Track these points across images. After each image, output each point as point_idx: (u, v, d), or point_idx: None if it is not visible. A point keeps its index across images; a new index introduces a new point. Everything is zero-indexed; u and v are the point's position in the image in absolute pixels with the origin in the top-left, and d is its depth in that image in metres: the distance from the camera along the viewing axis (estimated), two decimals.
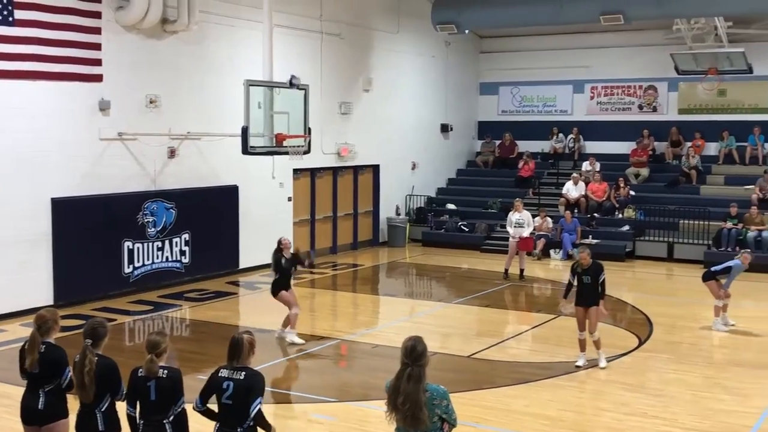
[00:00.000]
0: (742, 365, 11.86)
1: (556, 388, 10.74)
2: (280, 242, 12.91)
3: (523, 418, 9.66)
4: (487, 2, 21.75)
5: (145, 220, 16.54)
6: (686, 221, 21.74)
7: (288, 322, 12.87)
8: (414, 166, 25.06)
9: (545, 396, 10.45)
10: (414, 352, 5.53)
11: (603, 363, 11.54)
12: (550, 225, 22.38)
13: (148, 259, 16.68)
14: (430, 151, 25.79)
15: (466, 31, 23.40)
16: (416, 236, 24.13)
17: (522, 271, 18.91)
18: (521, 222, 19.32)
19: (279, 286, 12.84)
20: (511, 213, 19.68)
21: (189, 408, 6.27)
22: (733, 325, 13.92)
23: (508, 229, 19.43)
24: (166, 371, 6.22)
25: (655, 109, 25.46)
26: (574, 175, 24.00)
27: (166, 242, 17.04)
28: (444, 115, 26.37)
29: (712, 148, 24.49)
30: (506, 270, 18.97)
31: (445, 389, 5.67)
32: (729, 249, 20.46)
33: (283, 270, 12.81)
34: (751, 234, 20.55)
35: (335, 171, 22.22)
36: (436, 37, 24.36)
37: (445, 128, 26.43)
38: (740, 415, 9.57)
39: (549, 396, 10.44)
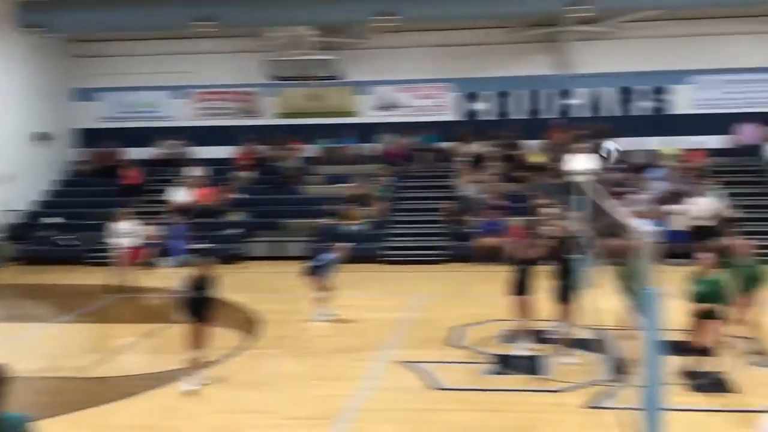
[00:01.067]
0: (343, 351, 12.66)
1: (165, 397, 10.60)
2: None
3: (122, 431, 9.41)
4: (77, 5, 20.88)
5: None
6: (291, 220, 22.75)
7: None
8: (1, 180, 23.18)
9: (154, 406, 10.27)
10: None
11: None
12: (160, 232, 22.08)
13: None
14: (19, 162, 24.05)
15: (57, 35, 22.21)
16: (13, 254, 22.40)
17: (130, 281, 18.45)
18: (127, 232, 18.85)
19: None
20: (115, 223, 19.10)
21: None
22: (336, 314, 14.83)
23: (114, 240, 18.85)
24: None
25: (255, 114, 26.26)
26: (182, 180, 23.94)
27: None
28: (37, 123, 24.78)
29: (311, 150, 25.87)
30: (117, 282, 18.40)
31: (24, 415, 5.29)
32: (329, 243, 21.75)
33: None
34: (347, 228, 22.08)
35: None
36: (21, 39, 22.77)
37: (39, 136, 24.83)
38: (341, 398, 10.21)
39: (158, 405, 10.27)
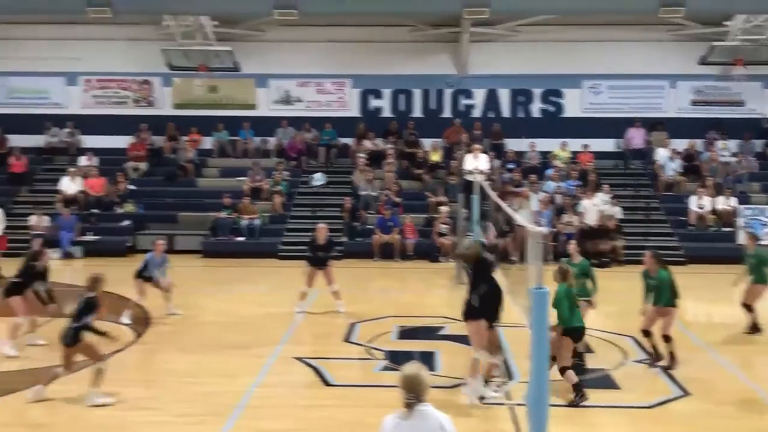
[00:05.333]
0: (236, 347, 12.50)
1: (49, 394, 10.23)
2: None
3: (9, 429, 9.10)
4: None
5: None
6: (185, 213, 22.38)
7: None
8: None
9: (36, 403, 9.90)
10: None
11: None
12: (47, 223, 21.38)
13: None
14: None
15: None
16: None
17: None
18: None
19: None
20: None
21: None
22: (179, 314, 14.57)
23: None
24: None
25: (151, 104, 25.68)
26: (72, 170, 23.23)
27: None
28: None
29: (207, 142, 25.46)
30: None
31: None
32: (225, 237, 21.58)
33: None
34: (244, 222, 21.86)
35: None
36: None
37: None
38: (227, 395, 10.08)
39: (41, 403, 9.91)
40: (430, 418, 5.21)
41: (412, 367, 5.34)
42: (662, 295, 11.36)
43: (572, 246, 12.42)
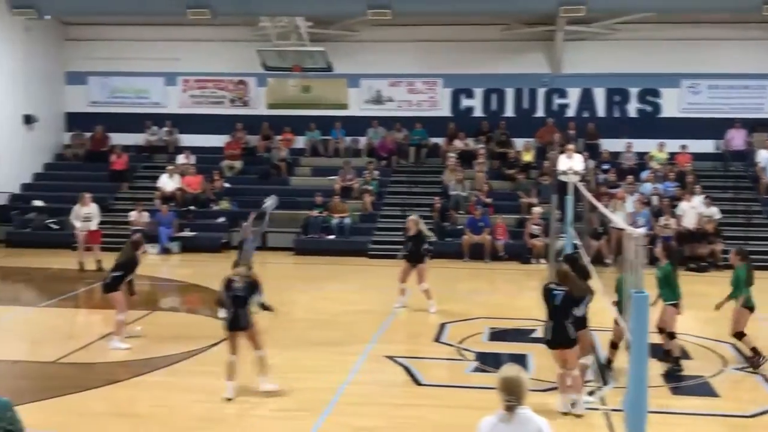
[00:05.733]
0: (327, 344, 12.58)
1: (148, 385, 10.59)
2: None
3: (110, 419, 9.42)
4: None
5: None
6: (278, 211, 22.60)
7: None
8: None
9: (136, 394, 10.26)
10: None
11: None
12: (147, 219, 22.03)
13: None
14: (10, 145, 23.94)
15: (47, 17, 22.07)
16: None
17: (99, 262, 18.67)
18: (89, 215, 19.40)
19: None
20: (77, 206, 19.52)
21: None
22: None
23: (75, 222, 19.44)
24: None
25: (246, 104, 26.19)
26: (170, 168, 23.87)
27: None
28: (26, 106, 24.63)
29: (299, 142, 25.80)
30: (81, 263, 19.01)
31: (7, 400, 5.28)
32: (316, 235, 21.83)
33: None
34: (334, 221, 22.07)
35: None
36: (14, 22, 22.62)
37: (28, 119, 24.70)
38: (320, 392, 10.18)
39: (140, 393, 10.27)
40: (529, 421, 5.15)
41: (512, 369, 5.29)
42: (734, 291, 11.38)
43: (658, 249, 11.99)
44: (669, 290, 11.13)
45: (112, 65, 26.10)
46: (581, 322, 9.64)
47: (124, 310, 12.45)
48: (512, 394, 5.14)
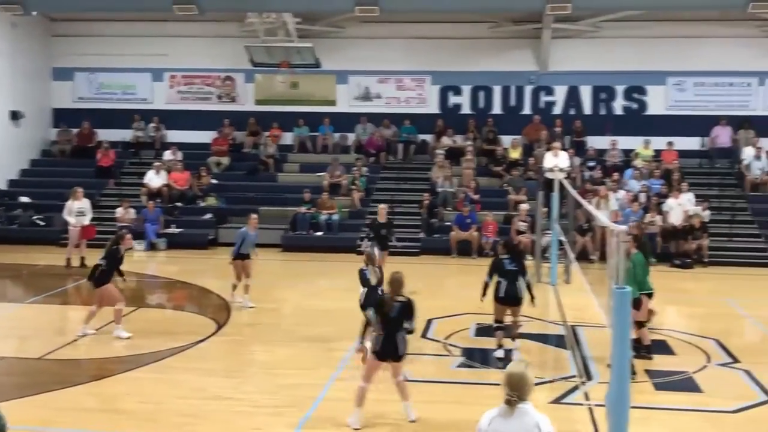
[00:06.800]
0: (314, 340, 12.65)
1: (135, 381, 10.59)
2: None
3: (96, 415, 9.45)
4: None
5: None
6: (265, 207, 22.68)
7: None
8: None
9: (123, 390, 10.26)
10: None
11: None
12: (133, 215, 21.99)
13: None
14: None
15: (34, 13, 21.99)
16: None
17: (83, 259, 18.72)
18: (82, 210, 19.36)
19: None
20: (70, 201, 19.46)
21: None
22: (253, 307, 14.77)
23: (68, 218, 19.35)
24: None
25: (233, 100, 26.14)
26: (157, 164, 23.83)
27: None
28: (13, 102, 24.53)
29: (288, 138, 25.79)
30: (68, 260, 18.89)
31: None
32: (304, 232, 21.85)
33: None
34: (323, 217, 22.09)
35: None
36: (0, 17, 22.53)
37: (14, 115, 24.61)
38: (307, 387, 10.23)
39: (127, 389, 10.27)
40: (528, 416, 5.24)
41: (519, 366, 5.38)
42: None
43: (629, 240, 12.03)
44: (637, 281, 11.23)
45: (99, 61, 25.99)
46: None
47: (121, 299, 12.67)
48: (515, 390, 5.24)
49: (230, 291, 15.03)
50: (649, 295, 11.40)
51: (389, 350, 9.00)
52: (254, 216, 15.43)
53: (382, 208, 17.13)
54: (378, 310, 9.11)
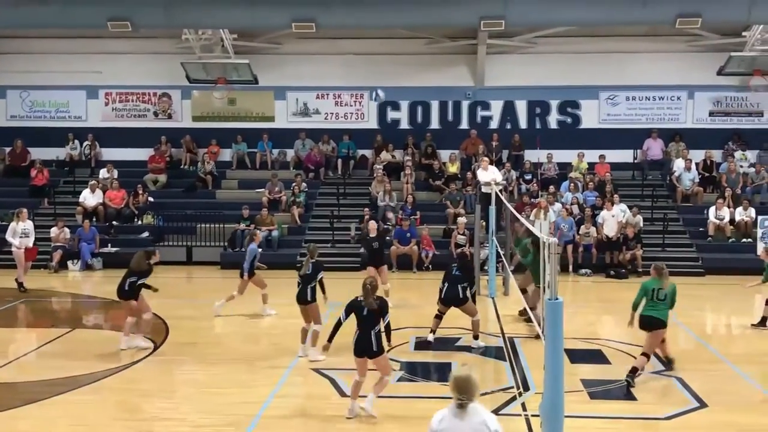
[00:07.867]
0: (254, 358, 12.57)
1: (69, 404, 10.39)
2: None
3: None
4: None
5: None
6: (204, 225, 22.51)
7: None
8: None
9: (55, 413, 10.05)
10: None
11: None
12: (68, 235, 21.60)
13: None
14: None
15: None
16: None
17: (25, 281, 18.33)
18: (26, 231, 18.85)
19: None
20: (14, 223, 18.92)
21: None
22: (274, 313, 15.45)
23: (12, 239, 18.73)
24: None
25: (170, 117, 25.90)
26: (92, 182, 23.47)
27: None
28: None
29: (226, 154, 25.64)
30: (21, 283, 18.15)
31: None
32: (243, 249, 21.64)
33: None
34: (262, 234, 21.93)
35: None
36: None
37: None
38: (246, 406, 10.16)
39: (60, 413, 10.06)
40: (476, 415, 5.61)
41: (463, 370, 5.74)
42: None
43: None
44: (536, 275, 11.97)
45: (31, 79, 25.54)
46: None
47: (148, 310, 13.34)
48: (463, 393, 5.59)
49: (261, 303, 15.72)
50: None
51: (365, 347, 9.80)
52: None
53: (372, 223, 17.89)
54: (349, 311, 9.94)
